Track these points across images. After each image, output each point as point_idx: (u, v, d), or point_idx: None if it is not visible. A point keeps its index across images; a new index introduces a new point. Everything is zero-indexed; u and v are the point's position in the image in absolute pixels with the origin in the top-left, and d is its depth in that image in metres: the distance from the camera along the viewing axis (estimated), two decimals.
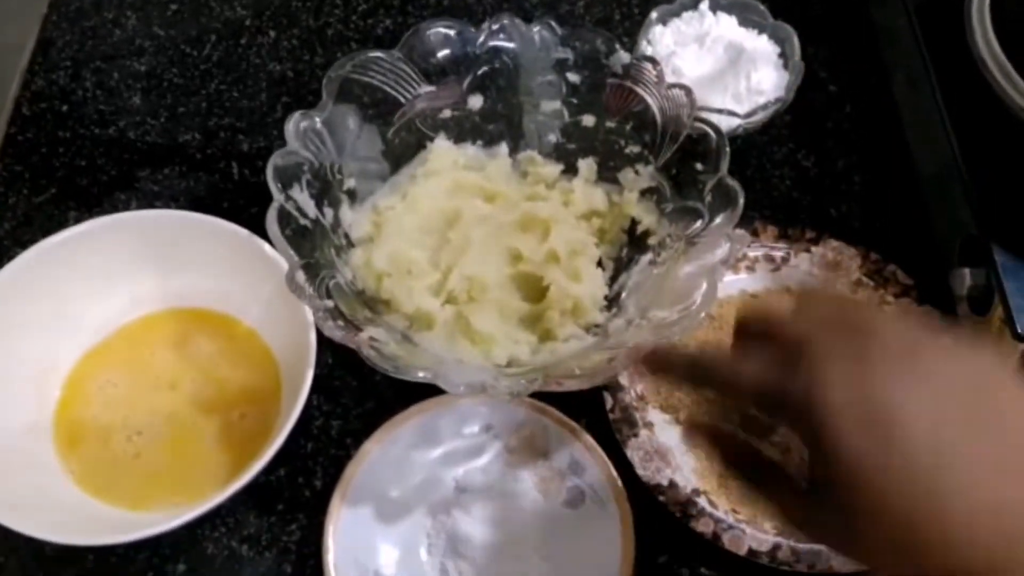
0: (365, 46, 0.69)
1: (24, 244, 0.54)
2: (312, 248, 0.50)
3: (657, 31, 0.65)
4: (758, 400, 0.31)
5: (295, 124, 0.51)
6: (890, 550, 0.26)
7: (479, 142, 0.59)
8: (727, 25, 0.64)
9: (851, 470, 0.25)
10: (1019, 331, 0.49)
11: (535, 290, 0.54)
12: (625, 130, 0.56)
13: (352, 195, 0.55)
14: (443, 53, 0.56)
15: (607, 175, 0.58)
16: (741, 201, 0.49)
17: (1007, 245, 0.52)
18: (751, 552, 0.49)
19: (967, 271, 0.54)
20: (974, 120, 0.56)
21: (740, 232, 0.51)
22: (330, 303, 0.47)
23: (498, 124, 0.59)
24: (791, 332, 0.29)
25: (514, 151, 0.59)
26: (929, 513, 0.24)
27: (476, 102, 0.58)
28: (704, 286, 0.46)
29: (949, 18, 0.58)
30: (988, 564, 0.23)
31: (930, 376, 0.25)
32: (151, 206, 0.63)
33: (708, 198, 0.50)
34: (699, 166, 0.52)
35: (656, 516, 0.51)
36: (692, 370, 0.34)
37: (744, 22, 0.65)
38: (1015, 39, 0.55)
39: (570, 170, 0.58)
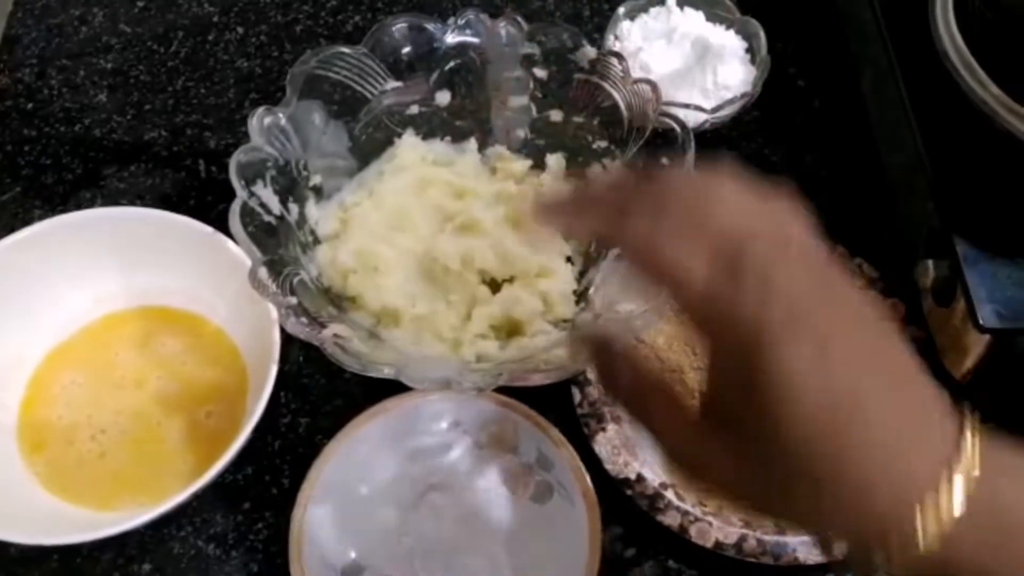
0: (334, 42, 0.68)
1: None
2: (277, 245, 0.49)
3: (625, 26, 0.65)
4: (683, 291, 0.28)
5: (258, 120, 0.51)
6: (787, 487, 0.27)
7: (447, 138, 0.59)
8: (694, 20, 0.65)
9: (792, 394, 0.26)
10: (980, 322, 0.50)
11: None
12: (593, 125, 0.56)
13: (318, 191, 0.55)
14: (409, 49, 0.56)
15: (576, 170, 0.58)
16: None
17: (969, 237, 0.52)
18: (718, 544, 0.49)
19: (931, 263, 0.54)
20: (938, 113, 0.57)
21: None
22: (293, 300, 0.46)
23: (466, 120, 0.59)
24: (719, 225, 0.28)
25: (483, 147, 0.59)
26: (852, 451, 0.26)
27: (444, 98, 0.58)
28: None
29: (913, 11, 0.59)
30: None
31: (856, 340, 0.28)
32: (116, 204, 0.62)
33: None
34: (665, 161, 0.52)
35: (624, 510, 0.51)
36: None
37: (711, 17, 0.65)
38: (978, 32, 0.55)
39: (539, 165, 0.58)
